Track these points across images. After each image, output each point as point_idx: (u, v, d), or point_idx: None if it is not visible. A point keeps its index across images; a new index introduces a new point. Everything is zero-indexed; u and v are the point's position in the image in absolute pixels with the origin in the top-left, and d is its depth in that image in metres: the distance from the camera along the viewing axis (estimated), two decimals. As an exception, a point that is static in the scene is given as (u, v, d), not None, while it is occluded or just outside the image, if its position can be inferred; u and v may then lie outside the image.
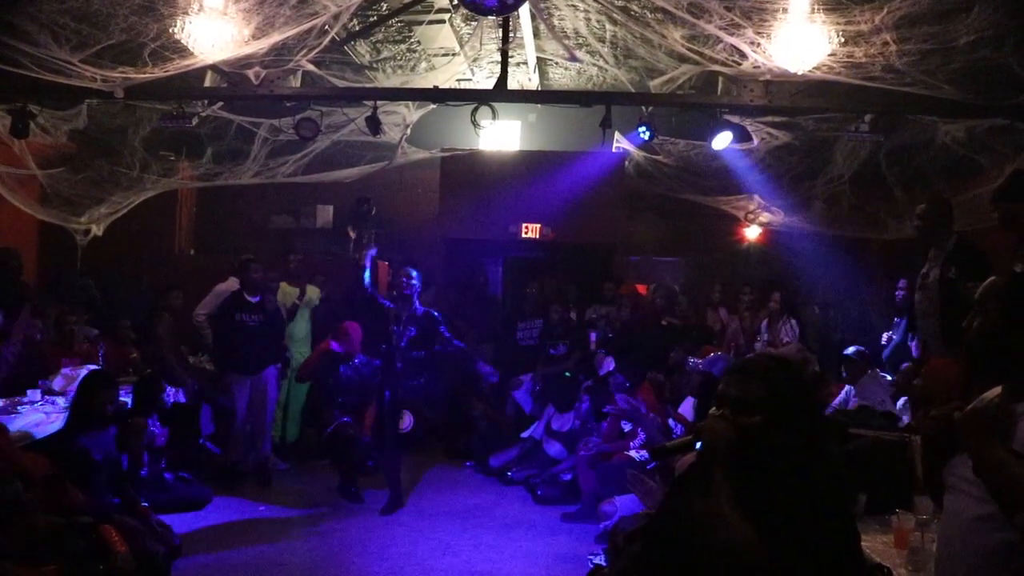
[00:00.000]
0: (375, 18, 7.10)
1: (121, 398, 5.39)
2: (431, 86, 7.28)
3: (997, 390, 2.04)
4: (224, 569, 5.08)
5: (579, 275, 9.45)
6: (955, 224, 4.93)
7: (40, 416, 5.58)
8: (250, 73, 6.28)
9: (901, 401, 5.62)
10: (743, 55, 5.73)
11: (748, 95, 6.21)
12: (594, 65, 7.91)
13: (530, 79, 8.60)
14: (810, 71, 5.59)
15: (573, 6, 6.71)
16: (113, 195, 8.21)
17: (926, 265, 4.85)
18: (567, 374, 7.55)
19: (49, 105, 7.00)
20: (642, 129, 7.03)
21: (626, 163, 9.57)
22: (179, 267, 9.62)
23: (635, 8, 6.11)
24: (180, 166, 9.17)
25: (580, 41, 7.48)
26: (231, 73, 6.27)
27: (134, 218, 8.68)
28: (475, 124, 6.70)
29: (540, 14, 6.87)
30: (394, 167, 9.26)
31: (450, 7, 6.87)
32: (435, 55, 8.09)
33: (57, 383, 6.23)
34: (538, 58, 8.14)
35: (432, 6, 6.82)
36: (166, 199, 9.49)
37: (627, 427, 6.34)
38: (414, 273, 6.50)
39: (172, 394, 6.03)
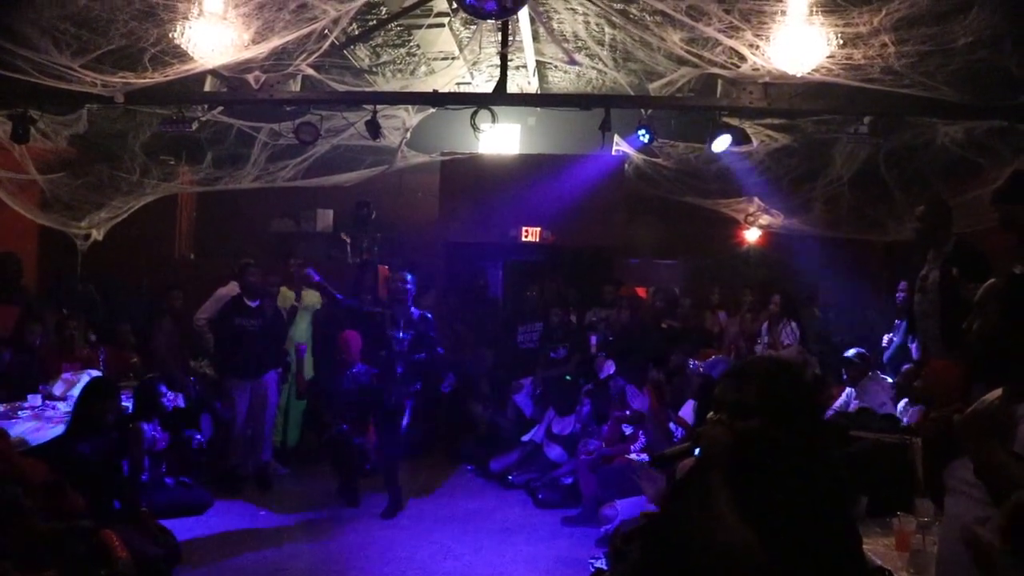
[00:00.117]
0: (374, 22, 7.11)
1: (122, 402, 5.41)
2: (431, 90, 7.28)
3: (997, 392, 2.04)
4: (224, 574, 5.06)
5: (579, 278, 9.46)
6: (955, 226, 4.93)
7: (40, 421, 5.59)
8: (250, 77, 6.29)
9: (902, 403, 5.62)
10: (742, 57, 5.74)
11: (747, 97, 6.21)
12: (593, 68, 7.92)
13: (529, 82, 8.60)
14: (809, 73, 5.60)
15: (572, 9, 6.72)
16: (113, 200, 8.21)
17: (925, 267, 4.85)
18: (567, 377, 7.54)
19: (49, 110, 7.01)
20: (641, 132, 7.04)
21: (625, 166, 9.57)
22: (179, 271, 9.62)
23: (634, 11, 6.12)
24: (180, 170, 9.18)
25: (579, 44, 7.49)
26: (231, 77, 6.28)
27: (134, 223, 8.69)
28: (475, 128, 6.70)
29: (539, 17, 6.87)
30: (394, 171, 9.26)
31: (449, 11, 6.88)
32: (434, 59, 8.10)
33: (57, 388, 6.24)
34: (537, 61, 8.15)
35: (431, 10, 6.83)
36: (166, 203, 9.49)
37: (628, 430, 6.34)
38: (408, 277, 6.49)
39: (171, 399, 6.02)
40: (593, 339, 8.08)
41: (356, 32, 7.15)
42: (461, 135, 8.80)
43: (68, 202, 7.98)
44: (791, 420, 1.97)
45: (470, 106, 6.77)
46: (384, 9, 6.88)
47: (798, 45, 5.37)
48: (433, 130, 9.23)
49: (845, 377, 6.31)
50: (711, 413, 2.05)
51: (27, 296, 7.48)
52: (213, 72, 6.20)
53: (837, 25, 5.07)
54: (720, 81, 6.28)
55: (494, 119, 6.68)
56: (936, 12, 4.74)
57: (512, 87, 7.80)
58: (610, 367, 7.15)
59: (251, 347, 6.82)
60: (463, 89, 8.62)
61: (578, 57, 7.56)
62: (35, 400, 5.99)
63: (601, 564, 4.95)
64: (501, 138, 10.07)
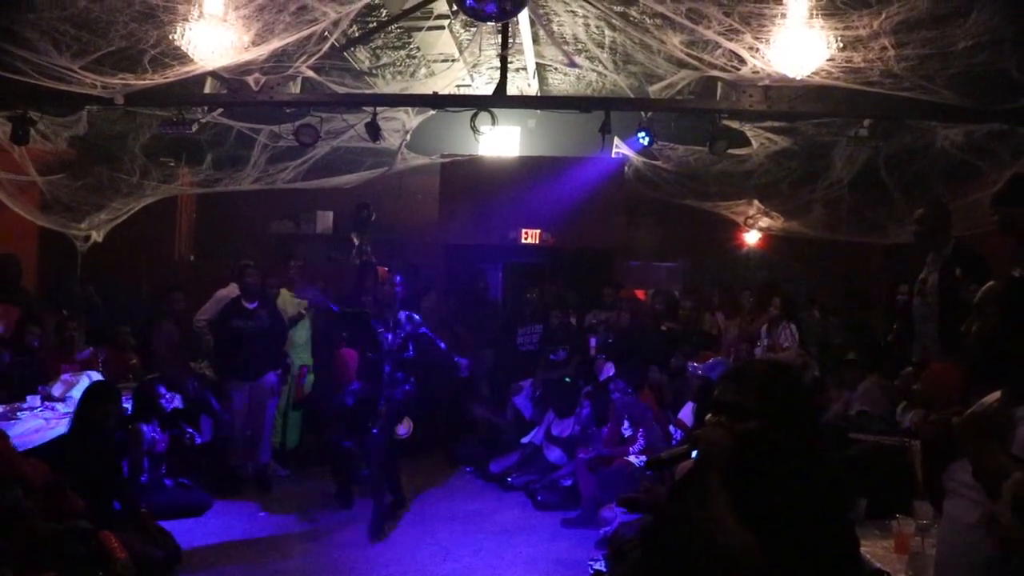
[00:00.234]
0: (375, 24, 7.11)
1: (123, 405, 5.41)
2: (431, 92, 7.29)
3: (996, 394, 2.04)
4: (224, 575, 5.06)
5: (579, 280, 9.46)
6: (954, 229, 4.93)
7: (40, 422, 5.59)
8: (250, 79, 6.29)
9: (901, 406, 5.61)
10: (742, 60, 5.74)
11: (747, 100, 6.22)
12: (593, 71, 7.92)
13: (529, 85, 8.61)
14: (809, 76, 5.60)
15: (572, 12, 6.72)
16: (113, 201, 8.22)
17: (924, 270, 4.86)
18: (567, 379, 7.55)
19: (49, 112, 7.01)
20: (641, 134, 7.05)
21: (625, 168, 9.58)
22: (179, 273, 9.63)
23: (634, 14, 6.12)
24: (180, 172, 9.18)
25: (579, 47, 7.49)
26: (231, 79, 6.28)
27: (134, 224, 8.69)
28: (475, 130, 6.71)
29: (539, 20, 6.88)
30: (394, 173, 9.26)
31: (449, 13, 6.88)
32: (435, 61, 8.10)
33: (56, 389, 6.24)
34: (537, 64, 8.15)
35: (432, 12, 6.83)
36: (166, 205, 9.50)
37: (627, 432, 6.35)
38: (397, 279, 6.48)
39: (168, 399, 6.02)
40: (593, 341, 8.08)
41: (356, 34, 7.15)
42: (461, 137, 8.81)
43: (68, 204, 7.98)
44: (790, 422, 1.97)
45: (470, 108, 6.78)
46: (384, 11, 6.88)
47: (798, 48, 5.38)
48: (433, 132, 9.23)
49: (844, 380, 6.31)
50: (710, 415, 2.05)
51: (27, 297, 7.48)
52: (213, 74, 6.20)
53: (837, 28, 5.08)
54: (720, 84, 6.29)
55: (494, 121, 6.69)
56: (936, 15, 4.74)
57: (512, 89, 7.81)
58: (610, 369, 7.15)
59: (250, 349, 6.82)
60: (463, 91, 8.62)
61: (578, 60, 7.56)
62: (34, 401, 5.98)
63: (600, 566, 4.96)
64: (501, 140, 10.08)
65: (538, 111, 9.91)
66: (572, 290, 9.12)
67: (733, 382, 2.04)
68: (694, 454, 2.01)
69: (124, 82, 5.80)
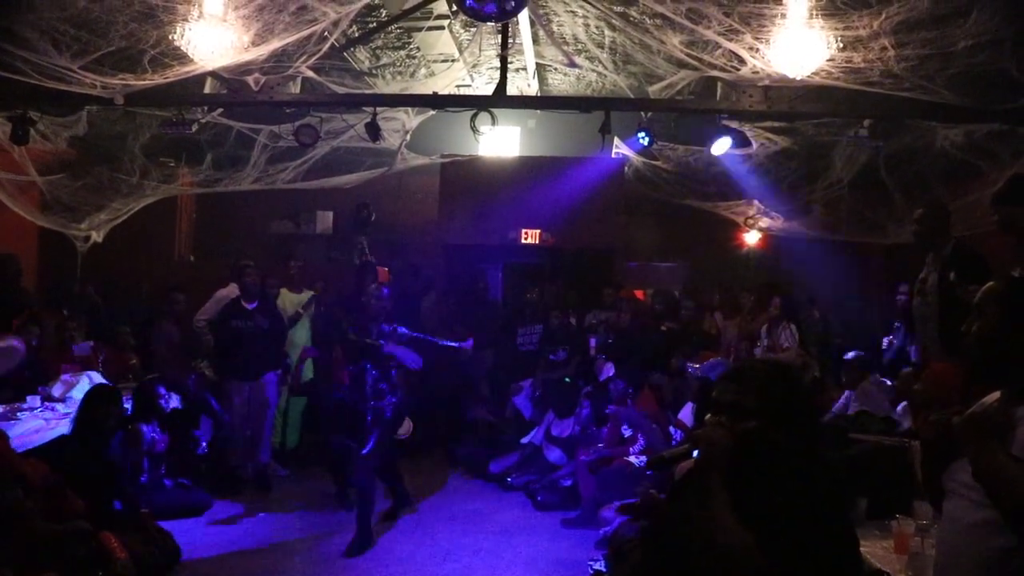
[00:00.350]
0: (374, 24, 7.11)
1: (124, 407, 5.41)
2: (430, 92, 7.29)
3: (996, 394, 2.04)
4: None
5: (578, 280, 9.46)
6: (954, 229, 4.93)
7: (40, 423, 5.59)
8: (250, 79, 6.29)
9: (901, 406, 5.62)
10: (742, 60, 5.74)
11: (747, 100, 6.22)
12: (593, 71, 7.93)
13: (529, 85, 8.61)
14: (809, 76, 5.60)
15: (572, 12, 6.73)
16: (113, 201, 8.22)
17: (924, 270, 4.85)
18: (567, 380, 7.55)
19: (49, 112, 7.01)
20: (641, 134, 7.05)
21: (625, 168, 9.59)
22: (179, 273, 9.63)
23: (634, 14, 6.12)
24: (180, 172, 9.19)
25: (579, 47, 7.49)
26: (231, 79, 6.28)
27: (134, 224, 8.70)
28: (474, 130, 6.70)
29: (539, 20, 6.88)
30: (394, 173, 9.27)
31: (449, 13, 6.88)
32: (434, 61, 8.10)
33: (56, 389, 6.23)
34: (537, 64, 8.16)
35: (431, 12, 6.83)
36: (166, 205, 9.51)
37: (627, 432, 6.35)
38: (385, 292, 6.39)
39: (167, 399, 6.02)
40: (593, 341, 8.08)
41: (356, 34, 7.15)
42: (461, 137, 8.81)
43: (68, 204, 7.99)
44: (790, 422, 1.97)
45: (470, 108, 6.78)
46: (384, 11, 6.89)
47: (798, 48, 5.38)
48: (433, 132, 9.24)
49: (844, 380, 6.31)
50: (710, 415, 2.05)
51: (27, 298, 7.47)
52: (213, 74, 6.20)
53: (837, 28, 5.08)
54: (720, 84, 6.29)
55: (494, 121, 6.69)
56: (936, 15, 4.74)
57: (512, 89, 7.81)
58: (609, 369, 7.15)
59: (250, 349, 6.82)
60: (463, 91, 8.62)
61: (578, 60, 7.57)
62: (34, 402, 5.98)
63: (600, 566, 4.95)
64: (501, 140, 10.09)
65: (538, 111, 9.91)
66: (572, 290, 9.12)
67: (733, 382, 2.04)
68: (695, 454, 2.01)
69: (124, 82, 5.80)
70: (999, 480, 1.88)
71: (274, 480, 7.01)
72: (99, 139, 7.82)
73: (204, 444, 6.28)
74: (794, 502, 1.84)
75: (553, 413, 7.26)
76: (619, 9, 6.15)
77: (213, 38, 5.48)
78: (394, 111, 7.76)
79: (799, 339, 7.32)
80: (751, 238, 10.70)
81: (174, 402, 6.22)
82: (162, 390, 6.00)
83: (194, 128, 7.19)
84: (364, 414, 5.92)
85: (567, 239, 9.68)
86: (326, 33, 5.90)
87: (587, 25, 6.90)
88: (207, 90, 6.59)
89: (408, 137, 8.40)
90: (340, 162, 8.83)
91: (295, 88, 6.58)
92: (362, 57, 7.89)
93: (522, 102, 8.33)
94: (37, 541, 3.81)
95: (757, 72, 5.85)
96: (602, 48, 7.15)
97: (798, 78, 5.68)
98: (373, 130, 7.09)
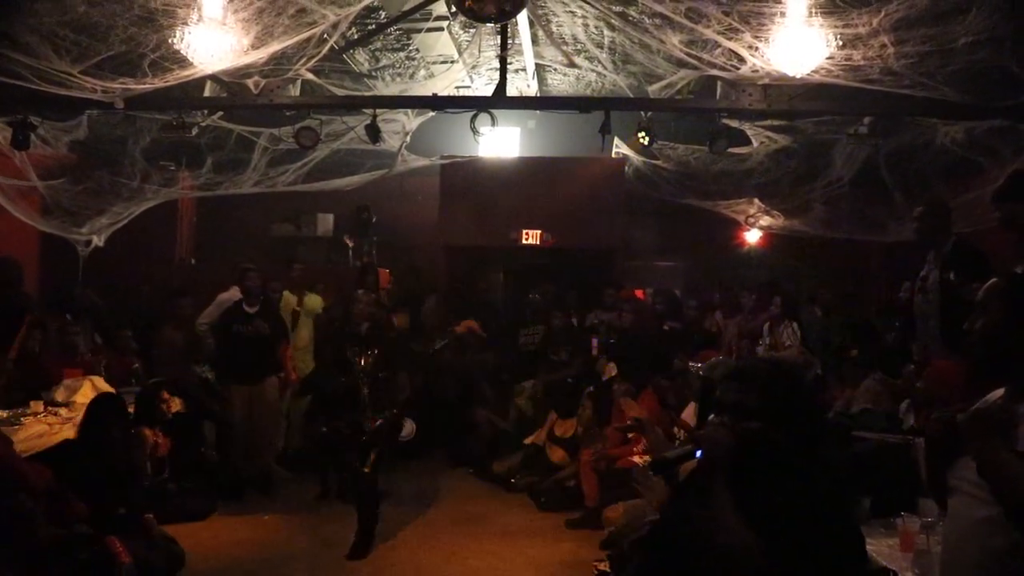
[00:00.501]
0: (374, 26, 7.12)
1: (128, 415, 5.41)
2: (430, 93, 7.29)
3: (1000, 391, 2.04)
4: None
5: (579, 281, 9.46)
6: (955, 226, 4.93)
7: (43, 427, 5.58)
8: (249, 82, 6.30)
9: (904, 404, 5.60)
10: (741, 59, 5.74)
11: (746, 99, 6.21)
12: (592, 71, 7.93)
13: (529, 85, 8.61)
14: (808, 74, 5.60)
15: (571, 12, 6.72)
16: (114, 205, 8.21)
17: (925, 267, 4.85)
18: (569, 380, 7.54)
19: (50, 116, 7.01)
20: (641, 134, 7.04)
21: (625, 168, 9.58)
22: (180, 276, 9.62)
23: (633, 14, 6.12)
24: (180, 176, 9.17)
25: (578, 47, 7.49)
26: (230, 83, 6.28)
27: (135, 228, 8.69)
28: (474, 131, 6.70)
29: (538, 20, 6.88)
30: (394, 175, 9.27)
31: (448, 14, 6.88)
32: (434, 63, 8.10)
33: (59, 394, 6.22)
34: (537, 64, 8.16)
35: (431, 14, 6.84)
36: (167, 209, 9.49)
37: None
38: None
39: (166, 402, 6.03)
40: (594, 342, 8.07)
41: (355, 36, 7.16)
42: (461, 138, 8.81)
43: (69, 208, 7.98)
44: (792, 422, 1.96)
45: (470, 109, 6.78)
46: (383, 13, 6.89)
47: (797, 46, 5.38)
48: (433, 134, 9.23)
49: (846, 378, 6.29)
50: (713, 416, 2.04)
51: (29, 302, 7.47)
52: (213, 77, 6.20)
53: (836, 26, 5.08)
54: (719, 83, 6.28)
55: (494, 122, 6.69)
56: (935, 12, 4.74)
57: (512, 90, 7.81)
58: (611, 369, 7.14)
59: (250, 352, 6.82)
60: (462, 92, 8.62)
61: (577, 60, 7.57)
62: (37, 407, 5.97)
63: (605, 567, 4.95)
64: (501, 141, 10.09)
65: (538, 112, 9.92)
66: (573, 290, 9.12)
67: (735, 382, 2.04)
68: (698, 454, 2.01)
69: (124, 86, 5.80)
70: (1002, 477, 1.88)
71: (277, 482, 7.01)
72: (100, 143, 7.81)
73: (211, 452, 6.27)
74: (795, 502, 1.83)
75: (556, 413, 7.26)
76: (618, 9, 6.15)
77: (213, 42, 5.49)
78: (394, 113, 7.76)
79: (801, 337, 7.33)
80: (752, 237, 10.69)
81: (177, 406, 6.22)
82: (165, 394, 6.00)
83: (194, 132, 7.20)
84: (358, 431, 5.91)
85: (568, 239, 9.68)
86: (325, 35, 5.91)
87: (586, 25, 6.90)
88: (207, 93, 6.59)
89: (408, 139, 8.40)
90: (340, 164, 8.82)
91: (295, 91, 6.58)
92: (361, 59, 7.89)
93: (522, 103, 8.33)
94: (41, 546, 3.81)
95: (757, 71, 5.85)
96: (601, 48, 7.15)
97: (798, 76, 5.68)
98: (373, 132, 7.09)
